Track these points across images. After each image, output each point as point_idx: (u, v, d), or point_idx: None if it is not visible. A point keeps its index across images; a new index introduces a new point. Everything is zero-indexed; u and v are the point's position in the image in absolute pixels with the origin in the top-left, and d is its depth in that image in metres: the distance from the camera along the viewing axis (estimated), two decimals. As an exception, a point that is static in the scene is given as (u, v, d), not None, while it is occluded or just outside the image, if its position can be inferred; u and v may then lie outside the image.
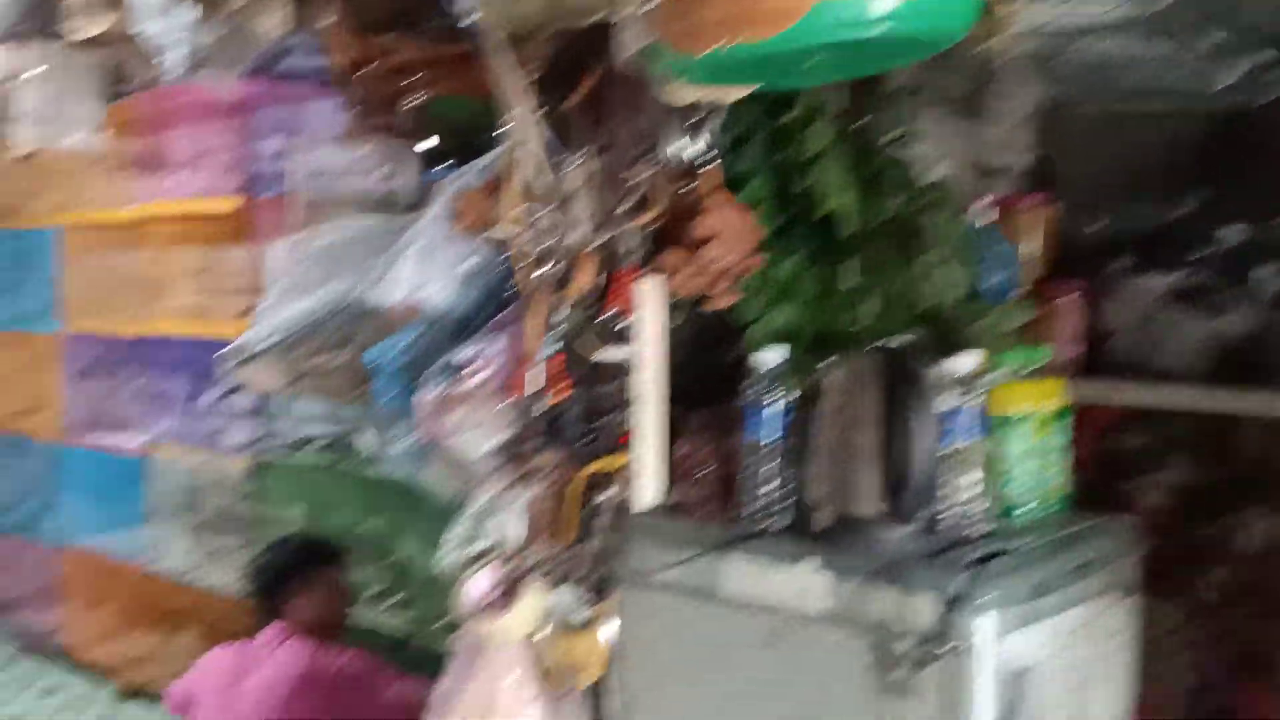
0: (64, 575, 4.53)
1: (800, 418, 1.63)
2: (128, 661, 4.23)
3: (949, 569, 1.43)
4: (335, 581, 2.89)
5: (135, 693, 4.18)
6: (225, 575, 3.73)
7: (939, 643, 1.39)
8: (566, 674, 1.60)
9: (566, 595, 1.63)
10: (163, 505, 4.14)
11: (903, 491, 1.52)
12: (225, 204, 3.79)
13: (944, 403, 1.55)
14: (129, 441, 4.26)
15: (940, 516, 1.53)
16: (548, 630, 1.60)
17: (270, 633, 2.72)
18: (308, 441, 3.71)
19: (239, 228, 3.79)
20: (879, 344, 1.68)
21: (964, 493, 1.54)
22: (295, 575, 2.81)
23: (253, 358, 1.94)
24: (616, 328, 1.70)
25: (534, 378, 1.64)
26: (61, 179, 4.46)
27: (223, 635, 3.79)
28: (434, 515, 3.22)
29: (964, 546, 1.49)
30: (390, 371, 1.70)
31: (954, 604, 1.39)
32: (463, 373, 1.62)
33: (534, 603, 1.59)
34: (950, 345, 1.65)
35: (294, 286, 1.97)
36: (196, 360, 3.98)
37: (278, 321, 1.94)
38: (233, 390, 3.93)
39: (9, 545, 4.86)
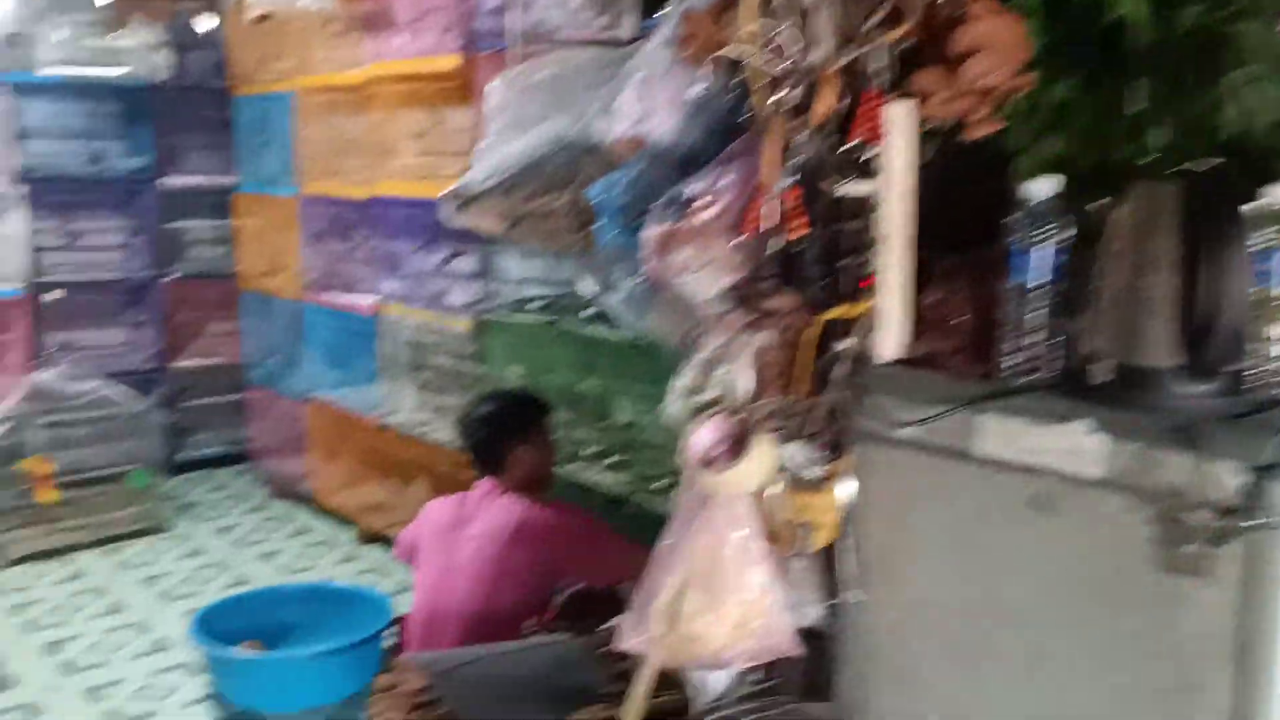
0: (308, 426, 4.81)
1: (1076, 259, 1.42)
2: (365, 509, 4.48)
3: (1259, 432, 1.21)
4: (545, 436, 2.88)
5: (374, 538, 4.43)
6: (450, 431, 3.84)
7: (1244, 516, 1.18)
8: (797, 534, 1.49)
9: (799, 450, 1.50)
10: (392, 362, 4.29)
11: (1203, 343, 1.29)
12: (447, 62, 3.77)
13: (1259, 241, 1.31)
14: (361, 301, 4.42)
15: (1248, 372, 1.31)
16: (778, 487, 1.49)
17: (484, 486, 2.75)
18: (527, 301, 3.73)
19: (461, 86, 3.76)
20: (1177, 174, 1.43)
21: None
22: (507, 429, 2.81)
23: (472, 200, 1.87)
24: (861, 159, 1.52)
25: (769, 213, 1.48)
26: (294, 43, 4.57)
27: (449, 487, 3.93)
28: (653, 375, 3.18)
29: (1277, 407, 1.27)
30: (613, 209, 1.59)
31: (1266, 472, 1.18)
32: (691, 208, 1.49)
33: (764, 457, 1.47)
34: (1264, 176, 1.38)
35: (512, 125, 1.88)
36: (422, 222, 4.05)
37: (496, 162, 1.86)
38: (456, 254, 3.99)
39: (261, 397, 5.21)
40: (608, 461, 3.37)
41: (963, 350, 1.53)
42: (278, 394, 5.04)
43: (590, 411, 3.52)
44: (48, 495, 4.29)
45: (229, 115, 5.17)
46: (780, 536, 1.50)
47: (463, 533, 2.67)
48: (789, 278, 1.55)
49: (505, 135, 1.89)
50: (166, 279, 5.33)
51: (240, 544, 4.46)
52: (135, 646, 3.48)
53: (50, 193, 4.95)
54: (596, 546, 2.72)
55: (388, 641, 3.18)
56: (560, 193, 1.79)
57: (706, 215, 1.48)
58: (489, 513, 2.68)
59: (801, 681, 1.53)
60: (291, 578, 4.09)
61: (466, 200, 1.89)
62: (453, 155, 3.81)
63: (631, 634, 1.51)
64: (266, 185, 4.99)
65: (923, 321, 1.56)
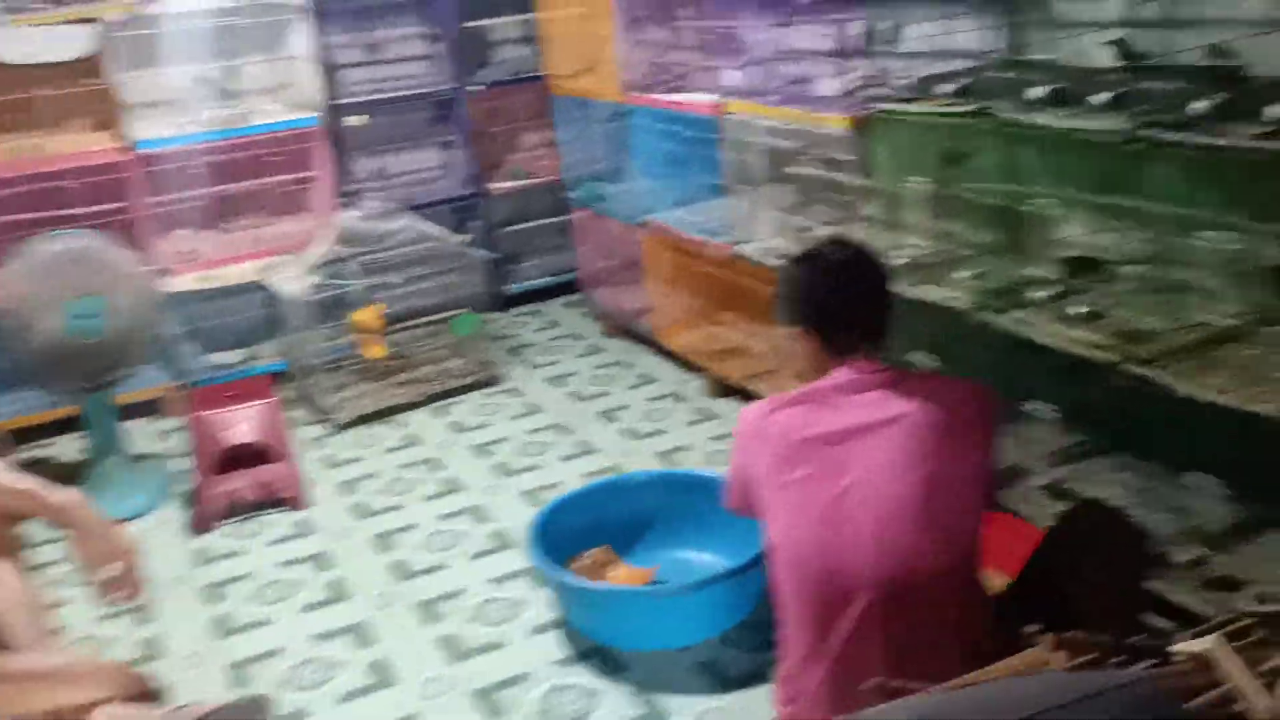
0: (643, 254, 4.06)
1: None
2: (715, 354, 3.72)
3: None
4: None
5: (728, 389, 3.68)
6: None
7: None
8: None
9: None
10: (741, 176, 3.39)
11: None
12: None
13: None
14: (697, 99, 3.51)
15: None
16: None
17: (851, 371, 1.82)
18: (937, 81, 2.65)
19: None
20: None
21: None
22: (887, 284, 1.87)
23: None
24: None
25: None
26: None
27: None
28: (1128, 186, 2.08)
29: None
30: None
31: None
32: None
33: None
34: None
35: None
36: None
37: None
38: (823, 17, 2.94)
39: (585, 219, 4.51)
40: (1072, 310, 2.32)
41: None
42: (603, 216, 4.30)
43: (1037, 239, 2.47)
44: (374, 351, 3.84)
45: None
46: None
47: (852, 446, 1.77)
48: None
49: None
50: (473, 89, 4.65)
51: (578, 398, 3.85)
52: (473, 541, 2.95)
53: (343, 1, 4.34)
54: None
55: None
56: None
57: None
58: (893, 404, 1.76)
59: None
60: (636, 448, 3.42)
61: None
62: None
63: None
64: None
65: None
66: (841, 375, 1.83)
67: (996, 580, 1.93)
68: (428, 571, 2.81)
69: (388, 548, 2.96)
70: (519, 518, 2.94)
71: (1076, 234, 2.44)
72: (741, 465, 1.93)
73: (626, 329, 4.35)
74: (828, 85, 2.91)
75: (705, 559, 2.64)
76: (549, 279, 4.95)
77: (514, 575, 2.75)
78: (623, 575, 2.58)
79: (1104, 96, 2.13)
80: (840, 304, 1.87)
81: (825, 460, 1.78)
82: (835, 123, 2.88)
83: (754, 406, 1.91)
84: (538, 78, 4.56)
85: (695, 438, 3.42)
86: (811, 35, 3.14)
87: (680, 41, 3.68)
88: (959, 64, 2.68)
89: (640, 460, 3.30)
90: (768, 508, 1.86)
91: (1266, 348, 2.05)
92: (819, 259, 1.91)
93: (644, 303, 4.17)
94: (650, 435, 3.48)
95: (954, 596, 1.75)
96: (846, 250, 1.91)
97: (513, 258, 4.94)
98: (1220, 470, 2.22)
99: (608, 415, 3.67)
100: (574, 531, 2.61)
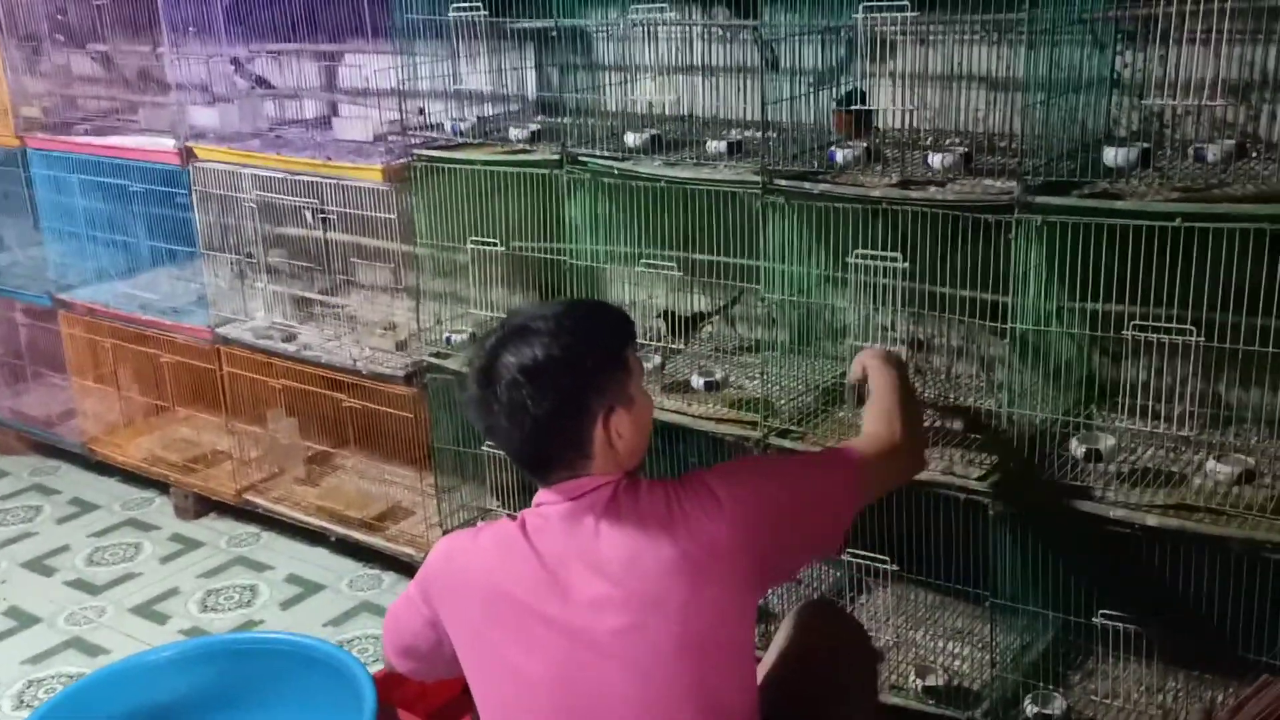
0: (64, 343, 3.12)
1: None
2: (184, 465, 2.94)
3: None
4: (639, 372, 1.39)
5: (209, 506, 2.91)
6: (348, 342, 2.40)
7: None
8: None
9: None
10: (221, 239, 2.70)
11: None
12: None
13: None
14: (150, 143, 2.72)
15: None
16: None
17: (558, 495, 1.30)
18: (496, 124, 2.27)
19: None
20: None
21: None
22: (592, 381, 1.28)
23: None
24: None
25: None
26: None
27: (326, 419, 2.46)
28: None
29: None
30: None
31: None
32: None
33: None
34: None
35: None
36: None
37: None
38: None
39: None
40: (695, 380, 2.10)
41: None
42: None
43: (630, 300, 2.22)
44: None
45: None
46: None
47: (570, 600, 1.26)
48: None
49: None
50: None
51: (-16, 544, 2.80)
52: None
53: None
54: (816, 485, 1.39)
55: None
56: None
57: None
58: (626, 540, 1.26)
59: None
60: (99, 607, 2.54)
61: None
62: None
63: None
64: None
65: None
66: (545, 505, 1.30)
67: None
68: None
69: None
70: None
71: (665, 293, 2.25)
72: (427, 618, 1.37)
73: (32, 441, 3.31)
74: (354, 128, 2.39)
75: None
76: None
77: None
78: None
79: (719, 145, 1.95)
80: (518, 433, 1.27)
81: (548, 631, 1.27)
82: (359, 173, 2.38)
83: (456, 537, 1.36)
84: None
85: (180, 577, 2.62)
86: (295, 68, 2.60)
87: (107, 74, 2.87)
88: (503, 108, 2.36)
89: (111, 622, 2.44)
90: (471, 670, 1.34)
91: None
92: (487, 356, 1.28)
93: (62, 405, 3.20)
94: (115, 584, 2.60)
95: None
96: (519, 346, 1.26)
97: None
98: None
99: (41, 565, 2.70)
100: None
